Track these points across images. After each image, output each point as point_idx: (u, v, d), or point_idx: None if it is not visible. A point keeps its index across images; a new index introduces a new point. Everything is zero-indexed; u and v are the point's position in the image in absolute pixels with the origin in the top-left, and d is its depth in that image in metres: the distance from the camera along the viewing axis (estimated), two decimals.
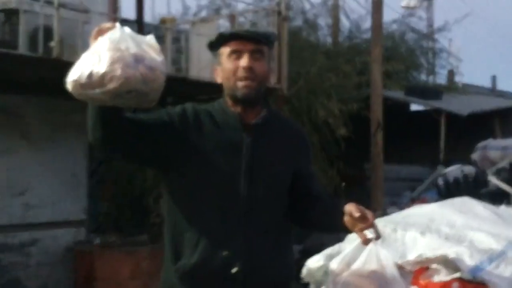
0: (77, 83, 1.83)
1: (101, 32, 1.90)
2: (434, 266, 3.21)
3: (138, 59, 1.85)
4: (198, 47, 6.92)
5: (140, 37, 1.92)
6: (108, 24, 1.93)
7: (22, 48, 5.28)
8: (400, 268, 2.71)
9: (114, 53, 1.82)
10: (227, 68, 2.15)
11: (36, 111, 6.06)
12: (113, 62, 1.81)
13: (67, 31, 5.55)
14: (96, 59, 1.83)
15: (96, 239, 6.05)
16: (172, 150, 2.10)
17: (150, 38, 1.94)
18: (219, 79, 2.21)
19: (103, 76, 1.81)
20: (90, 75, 1.81)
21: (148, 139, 2.07)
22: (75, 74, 1.84)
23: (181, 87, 6.08)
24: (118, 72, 1.81)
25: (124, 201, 7.85)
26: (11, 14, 5.61)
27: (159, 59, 1.91)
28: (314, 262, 3.62)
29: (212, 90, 6.27)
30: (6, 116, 5.90)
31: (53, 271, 6.05)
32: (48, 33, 5.31)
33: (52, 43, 5.26)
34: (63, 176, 6.25)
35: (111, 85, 1.81)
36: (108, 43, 1.84)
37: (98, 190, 7.26)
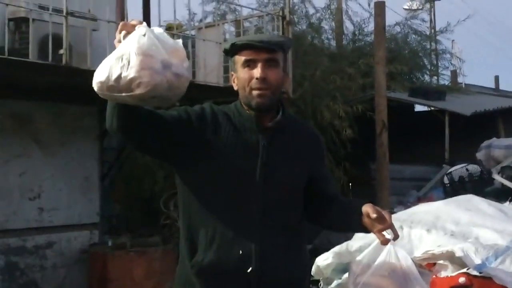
0: (104, 85, 1.82)
1: (126, 28, 1.87)
2: (440, 262, 3.26)
3: (166, 65, 1.83)
4: (204, 52, 6.96)
5: (167, 40, 1.88)
6: (134, 21, 1.89)
7: (32, 55, 5.26)
8: (420, 267, 2.76)
9: (144, 58, 1.79)
10: (241, 77, 2.15)
11: (47, 116, 6.10)
12: (142, 68, 1.78)
13: (75, 39, 5.52)
14: (125, 63, 1.80)
15: (109, 240, 6.09)
16: (188, 147, 2.10)
17: (178, 42, 1.91)
18: (234, 86, 2.22)
19: (131, 81, 1.78)
20: (118, 79, 1.79)
21: (164, 133, 2.06)
22: (103, 75, 1.81)
23: (188, 91, 6.14)
24: (146, 78, 1.79)
25: (135, 204, 7.95)
26: (21, 23, 5.61)
27: (185, 65, 1.89)
28: (323, 260, 3.68)
29: (218, 94, 6.38)
30: (19, 121, 5.97)
31: (69, 273, 6.11)
32: (57, 40, 5.27)
33: (61, 51, 5.22)
34: (75, 179, 6.31)
35: (138, 91, 1.79)
36: (137, 46, 1.80)
37: (110, 193, 7.31)
